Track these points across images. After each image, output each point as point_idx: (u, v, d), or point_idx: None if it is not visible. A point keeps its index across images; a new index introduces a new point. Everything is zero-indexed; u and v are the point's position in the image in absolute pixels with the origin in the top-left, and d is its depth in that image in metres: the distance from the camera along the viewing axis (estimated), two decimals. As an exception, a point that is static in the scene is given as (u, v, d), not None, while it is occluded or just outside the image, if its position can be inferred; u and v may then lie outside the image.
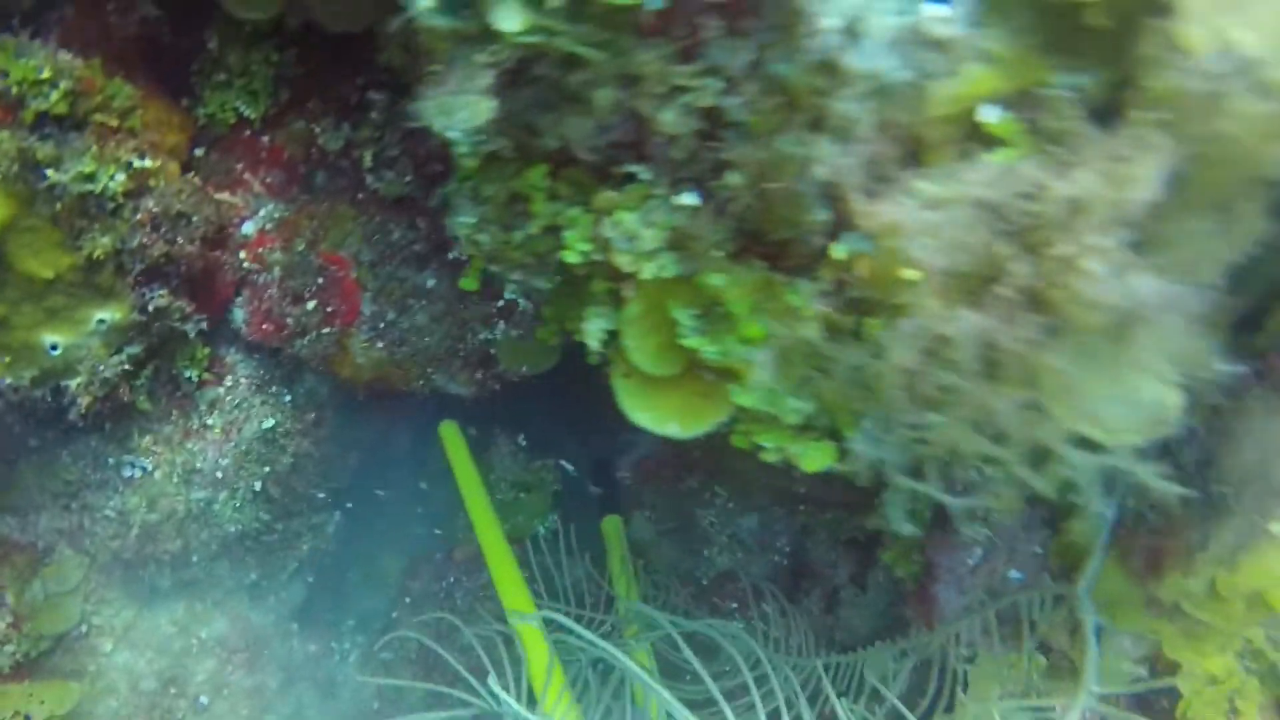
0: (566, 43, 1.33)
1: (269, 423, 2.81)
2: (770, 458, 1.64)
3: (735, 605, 3.12)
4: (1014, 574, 2.22)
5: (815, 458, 1.60)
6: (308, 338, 2.69)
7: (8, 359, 2.26)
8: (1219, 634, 2.33)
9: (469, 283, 2.38)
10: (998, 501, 1.39)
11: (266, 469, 2.85)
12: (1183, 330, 1.14)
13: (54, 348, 2.29)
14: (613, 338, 1.74)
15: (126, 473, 2.65)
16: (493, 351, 2.87)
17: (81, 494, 2.65)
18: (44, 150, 2.09)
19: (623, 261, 1.53)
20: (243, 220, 2.64)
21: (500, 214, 1.75)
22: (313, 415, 2.97)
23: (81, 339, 2.33)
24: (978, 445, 1.28)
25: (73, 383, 2.36)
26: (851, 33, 1.24)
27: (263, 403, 2.82)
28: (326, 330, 2.69)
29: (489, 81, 1.37)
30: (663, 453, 3.18)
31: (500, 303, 2.79)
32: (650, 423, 1.69)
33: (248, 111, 2.61)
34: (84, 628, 2.80)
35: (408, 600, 3.35)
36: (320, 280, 2.64)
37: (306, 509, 3.19)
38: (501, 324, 2.81)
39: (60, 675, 2.72)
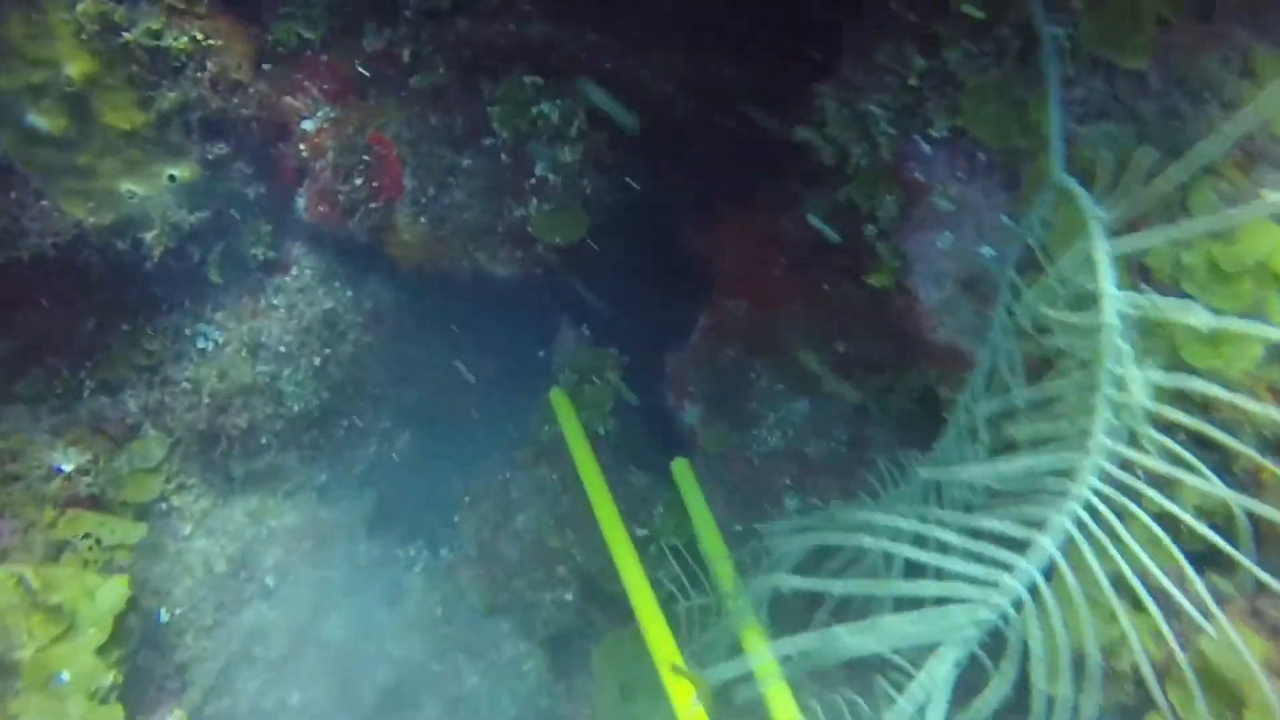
0: None
1: (329, 305, 3.04)
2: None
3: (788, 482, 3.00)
4: (986, 250, 2.05)
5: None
6: (358, 214, 2.94)
7: (92, 203, 2.60)
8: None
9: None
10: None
11: (327, 350, 3.06)
12: None
13: (131, 195, 2.62)
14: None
15: (200, 344, 2.91)
16: (530, 229, 3.03)
17: (161, 368, 2.92)
18: (120, 13, 2.49)
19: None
20: (303, 119, 2.97)
21: None
22: (370, 306, 3.18)
23: (156, 192, 2.66)
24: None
25: (148, 235, 2.68)
26: None
27: (325, 293, 3.07)
28: (374, 205, 2.94)
29: None
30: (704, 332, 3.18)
31: (532, 180, 2.97)
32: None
33: (308, 35, 3.00)
34: (164, 507, 2.99)
35: (467, 500, 3.39)
36: (366, 158, 2.91)
37: (372, 410, 3.34)
38: (534, 200, 2.98)
39: (143, 548, 2.90)
